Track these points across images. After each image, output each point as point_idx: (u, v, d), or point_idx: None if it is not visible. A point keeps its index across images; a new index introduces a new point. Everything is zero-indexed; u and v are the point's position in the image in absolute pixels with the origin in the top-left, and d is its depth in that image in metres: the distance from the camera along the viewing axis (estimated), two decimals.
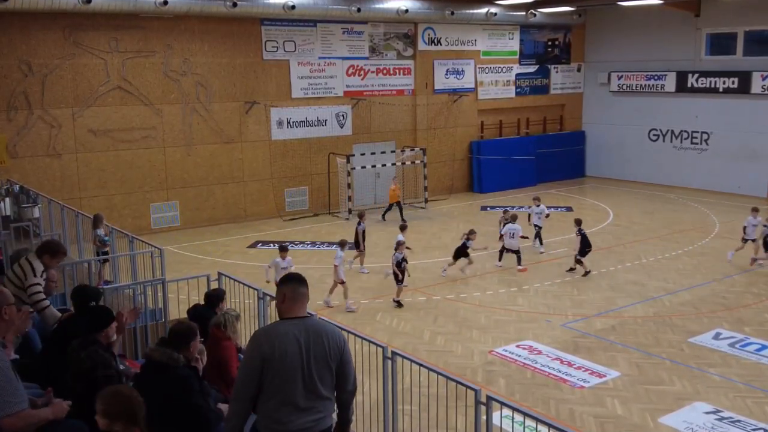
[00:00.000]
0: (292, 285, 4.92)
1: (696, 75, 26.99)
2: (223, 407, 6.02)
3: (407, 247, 15.16)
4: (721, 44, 27.05)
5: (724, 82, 26.31)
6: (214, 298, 8.52)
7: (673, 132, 28.21)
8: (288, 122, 23.24)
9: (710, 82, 26.64)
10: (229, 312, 7.65)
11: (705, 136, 27.22)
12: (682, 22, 27.00)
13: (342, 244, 14.67)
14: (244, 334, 9.72)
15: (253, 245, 19.61)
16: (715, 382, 10.78)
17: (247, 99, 22.28)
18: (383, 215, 22.48)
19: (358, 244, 16.85)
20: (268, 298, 9.21)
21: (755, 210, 17.43)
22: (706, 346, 12.14)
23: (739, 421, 9.57)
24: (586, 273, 16.24)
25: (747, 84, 25.58)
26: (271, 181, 22.99)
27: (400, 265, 14.38)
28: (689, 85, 27.24)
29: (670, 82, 27.80)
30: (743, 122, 25.98)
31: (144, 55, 20.45)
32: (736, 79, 25.91)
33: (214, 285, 9.96)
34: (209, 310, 8.38)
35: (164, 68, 20.79)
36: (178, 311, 10.19)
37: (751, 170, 25.79)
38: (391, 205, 22.45)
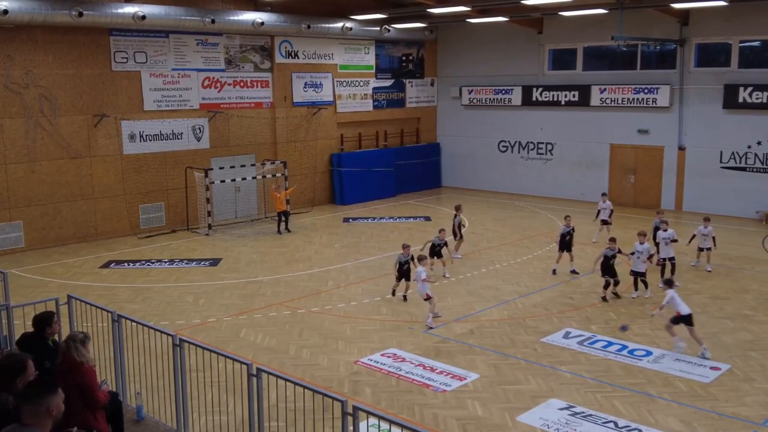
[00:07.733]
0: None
1: (540, 89, 28.57)
2: None
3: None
4: (563, 59, 28.80)
5: (565, 96, 27.99)
6: (40, 321, 8.13)
7: (520, 143, 29.70)
8: (141, 136, 22.42)
9: (553, 95, 28.28)
10: (73, 336, 7.21)
11: (549, 147, 28.86)
12: (527, 39, 28.52)
13: (421, 259, 14.43)
14: (100, 358, 9.30)
15: (106, 265, 18.72)
16: (567, 379, 11.34)
17: (96, 112, 21.28)
18: (281, 228, 22.51)
19: (455, 234, 18.94)
20: (123, 320, 8.85)
21: (707, 220, 17.75)
22: (557, 345, 12.80)
23: (590, 415, 10.06)
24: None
25: (586, 97, 27.36)
26: (124, 197, 22.06)
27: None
28: (534, 98, 28.79)
29: (516, 96, 29.26)
30: (583, 133, 27.77)
31: None
32: (576, 93, 27.64)
33: (64, 309, 9.47)
34: (39, 336, 8.05)
35: (5, 80, 19.49)
36: None
37: (592, 178, 27.60)
38: (280, 214, 22.52)
